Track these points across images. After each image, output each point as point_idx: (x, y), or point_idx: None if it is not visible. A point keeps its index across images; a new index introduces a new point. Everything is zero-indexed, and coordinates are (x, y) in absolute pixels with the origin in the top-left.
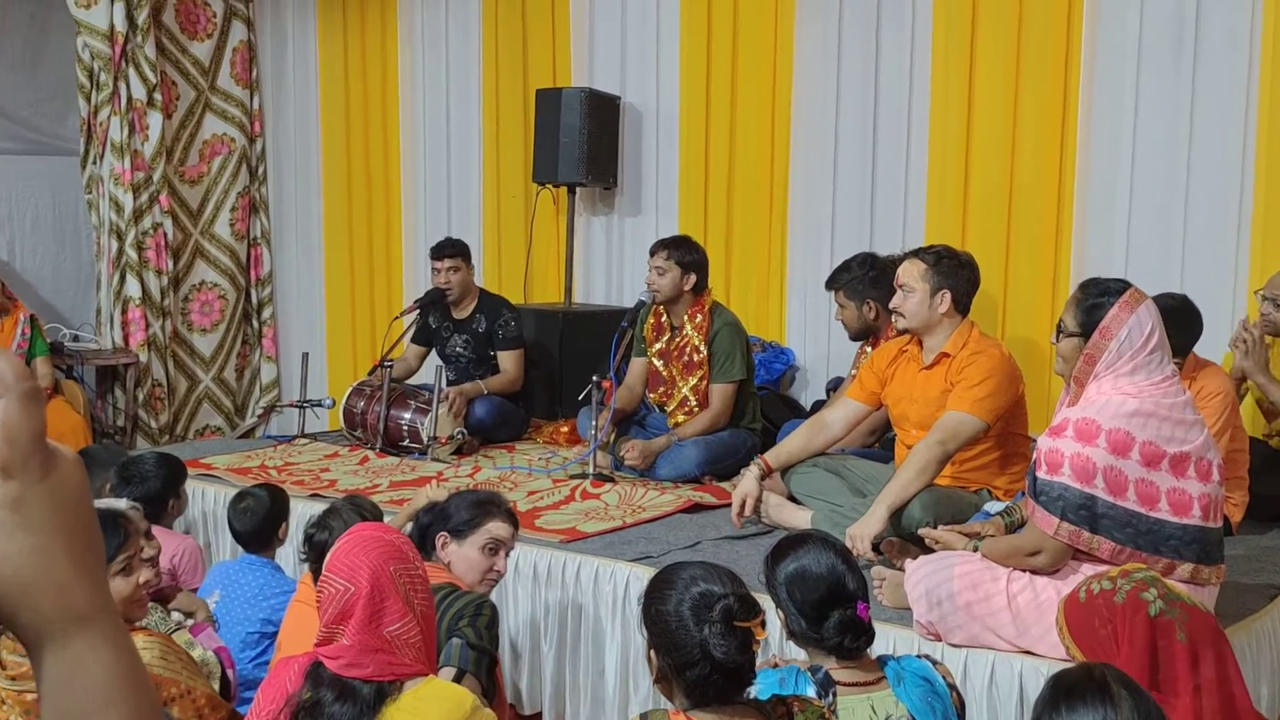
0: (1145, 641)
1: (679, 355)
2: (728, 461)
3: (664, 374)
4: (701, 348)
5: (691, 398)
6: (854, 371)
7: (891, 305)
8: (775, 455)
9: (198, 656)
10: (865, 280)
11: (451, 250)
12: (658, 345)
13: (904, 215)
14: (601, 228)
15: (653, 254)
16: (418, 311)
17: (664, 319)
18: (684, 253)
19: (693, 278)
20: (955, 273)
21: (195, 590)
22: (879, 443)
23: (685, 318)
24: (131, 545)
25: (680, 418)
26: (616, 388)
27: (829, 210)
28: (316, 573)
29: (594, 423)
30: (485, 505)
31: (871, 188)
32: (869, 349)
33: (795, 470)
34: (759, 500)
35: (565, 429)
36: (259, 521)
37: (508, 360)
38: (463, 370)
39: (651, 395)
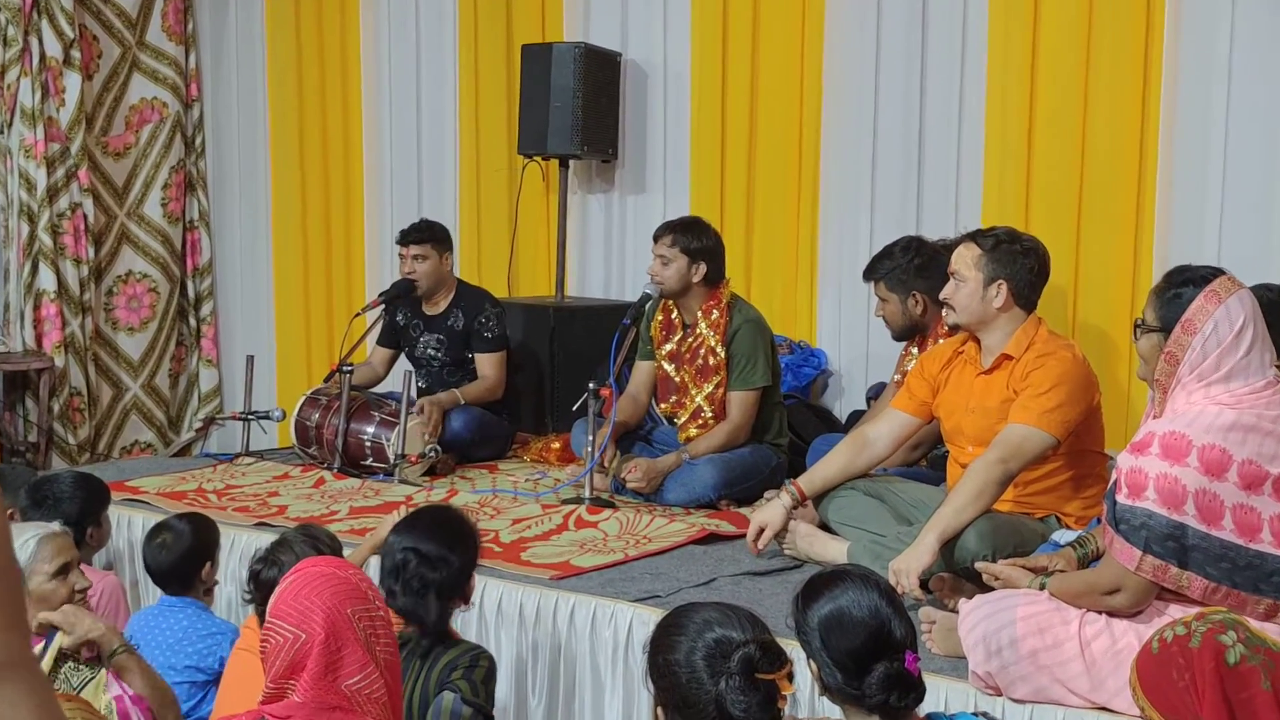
0: (1222, 693)
1: (691, 358)
2: (748, 483)
3: (674, 380)
4: (718, 349)
5: (706, 408)
6: (898, 377)
7: (942, 295)
8: (810, 480)
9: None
10: (910, 268)
11: (418, 235)
12: (667, 346)
13: (956, 193)
14: (599, 207)
15: (656, 239)
16: (383, 307)
17: (674, 315)
18: (691, 238)
19: (702, 267)
20: (1015, 260)
21: None
22: (928, 461)
23: (699, 314)
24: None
25: (693, 432)
26: (617, 397)
27: (867, 188)
28: (264, 615)
29: (590, 438)
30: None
31: (918, 161)
32: (916, 350)
33: (831, 494)
34: (781, 532)
35: (557, 445)
36: (177, 559)
37: (487, 364)
38: (435, 376)
39: (659, 405)
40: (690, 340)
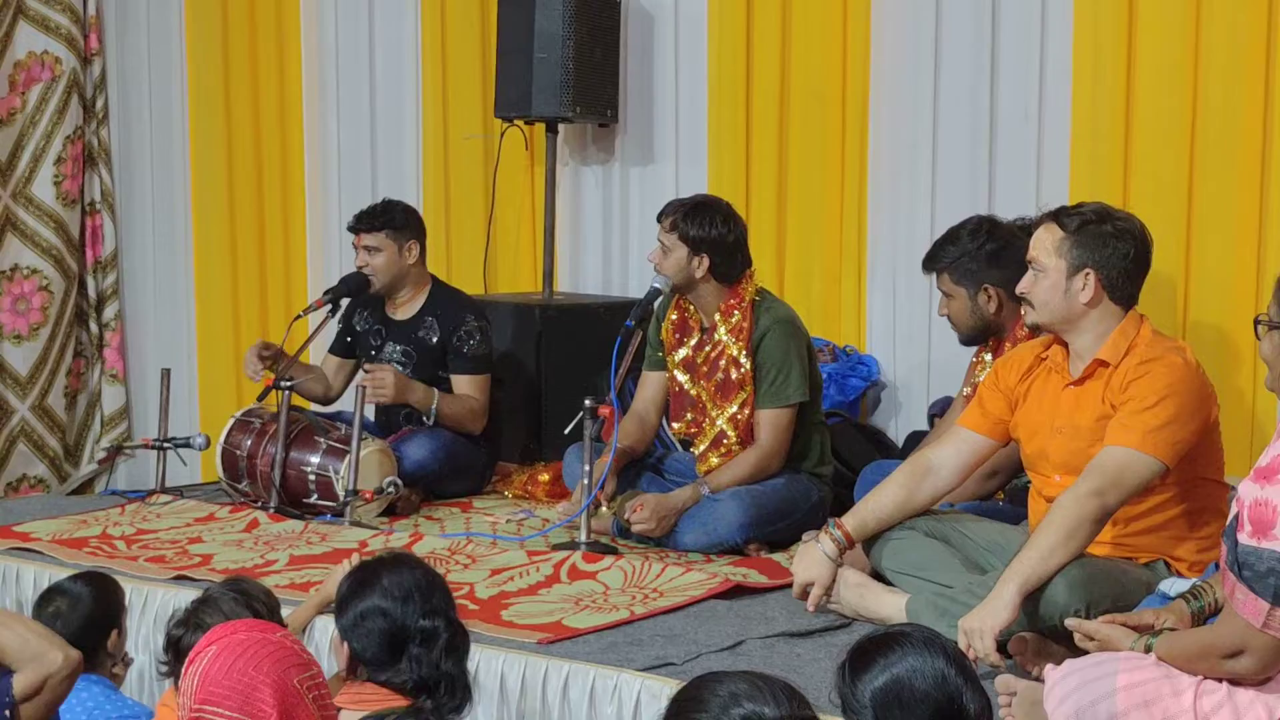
0: None
1: (710, 370)
2: (782, 523)
3: (690, 395)
4: (742, 359)
5: (729, 430)
6: (968, 390)
7: (1019, 289)
8: (858, 519)
9: None
10: (981, 256)
11: (370, 221)
12: (681, 353)
13: (1037, 164)
14: (596, 182)
15: (658, 221)
16: (329, 307)
17: (690, 315)
18: (694, 224)
19: (705, 262)
20: (1105, 244)
21: None
22: (1005, 493)
23: (717, 315)
24: None
25: (713, 460)
26: (620, 417)
27: (928, 158)
28: None
29: (587, 468)
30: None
31: (990, 125)
32: (990, 357)
33: (885, 536)
34: (831, 585)
35: (545, 477)
36: (75, 630)
37: (467, 388)
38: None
39: (672, 427)
40: (708, 348)
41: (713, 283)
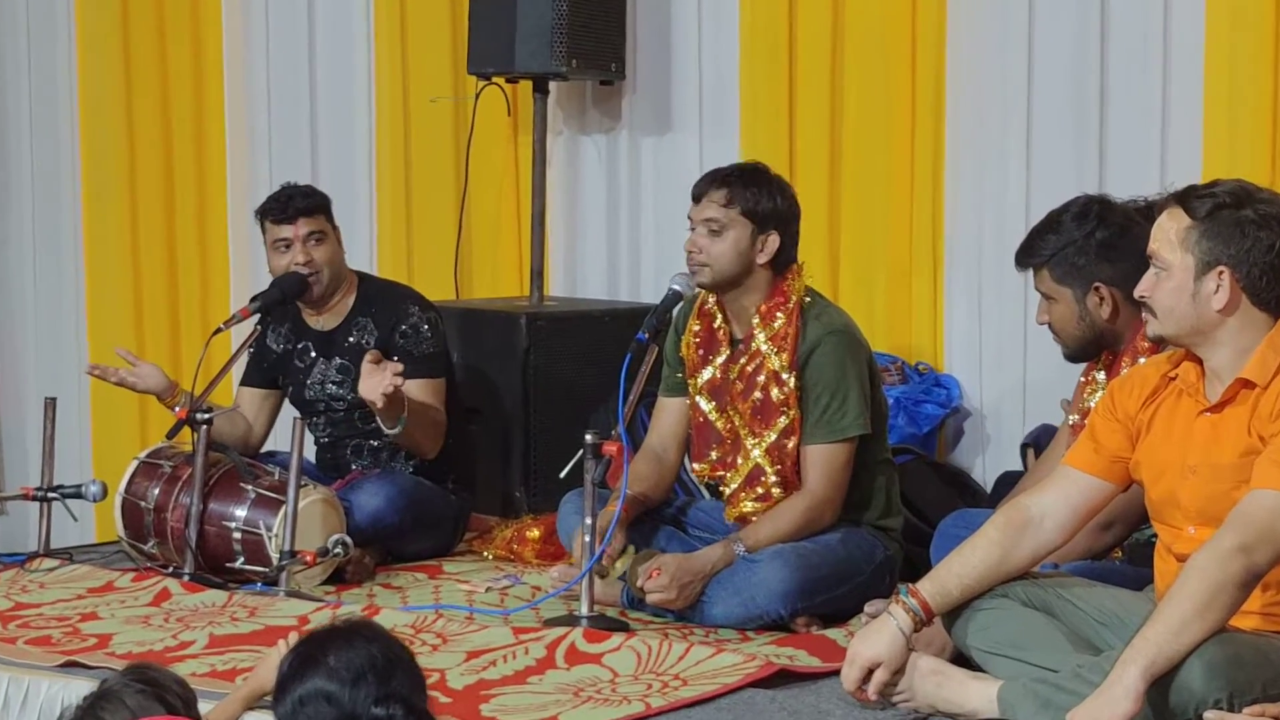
0: None
1: (745, 390)
2: (839, 590)
3: (717, 426)
4: (785, 376)
5: (767, 466)
6: (1075, 418)
7: (1138, 291)
8: (939, 586)
9: None
10: (1090, 247)
11: (307, 202)
12: (706, 373)
13: (1162, 131)
14: (598, 155)
15: (699, 197)
16: (257, 317)
17: (717, 323)
18: (760, 194)
19: (774, 241)
20: (1244, 235)
21: None
22: (1124, 550)
23: (755, 320)
24: None
25: (747, 504)
26: (631, 455)
27: (1020, 122)
28: None
29: (589, 521)
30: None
31: (1101, 80)
32: (1103, 376)
33: (972, 606)
34: (900, 672)
35: (535, 534)
36: None
37: (423, 395)
38: (340, 423)
39: (695, 467)
40: (743, 360)
41: (768, 274)
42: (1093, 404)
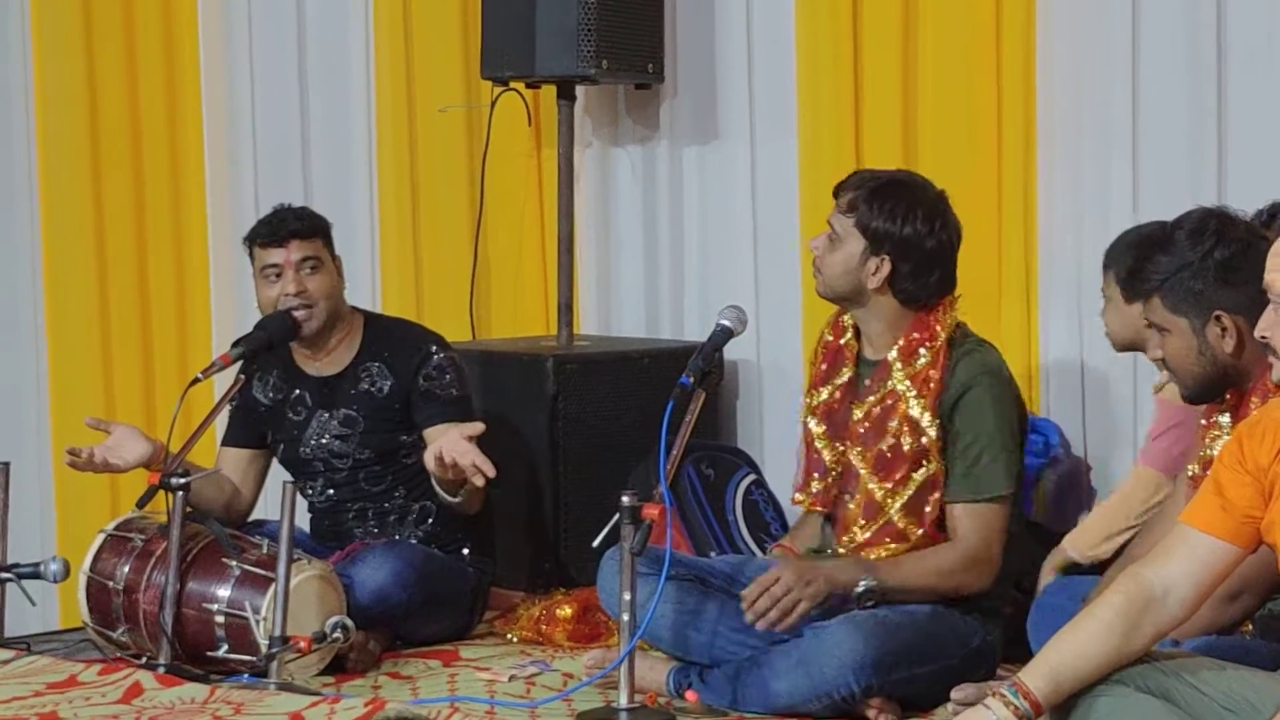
0: None
1: (876, 430)
2: (921, 669)
3: (824, 456)
4: (925, 422)
5: (898, 521)
6: (1195, 468)
7: (1259, 331)
8: (1050, 678)
9: None
10: (1207, 270)
11: (300, 225)
12: (824, 392)
13: None
14: (632, 170)
15: (835, 195)
16: (240, 364)
17: (846, 338)
18: (882, 209)
19: (885, 268)
20: None
21: None
22: (1255, 624)
23: (894, 352)
24: None
25: (879, 554)
26: (674, 519)
27: (1126, 125)
28: None
29: (627, 596)
30: None
31: (1218, 74)
32: (1227, 419)
33: (1082, 697)
34: None
35: (566, 611)
36: None
37: None
38: (345, 484)
39: (797, 496)
40: (872, 400)
41: (891, 302)
42: (1214, 452)
